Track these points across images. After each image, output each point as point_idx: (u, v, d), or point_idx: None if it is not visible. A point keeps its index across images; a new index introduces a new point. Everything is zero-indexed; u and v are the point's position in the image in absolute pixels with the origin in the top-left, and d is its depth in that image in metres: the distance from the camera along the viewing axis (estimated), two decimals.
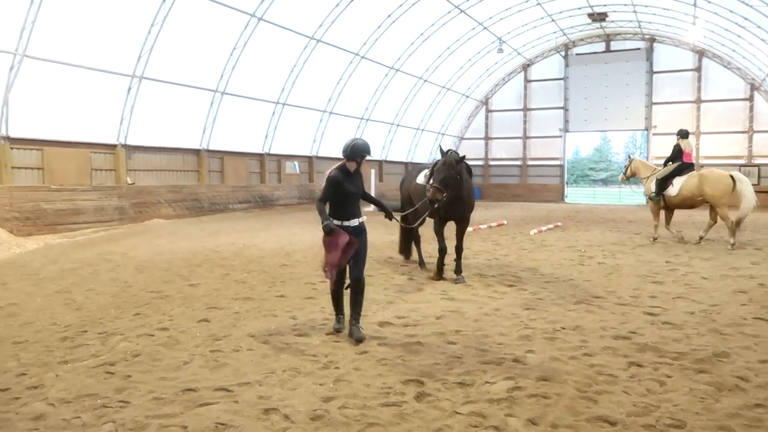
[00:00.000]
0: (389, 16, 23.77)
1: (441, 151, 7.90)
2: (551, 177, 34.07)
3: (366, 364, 4.70)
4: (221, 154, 22.46)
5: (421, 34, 26.18)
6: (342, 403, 3.92)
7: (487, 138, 36.13)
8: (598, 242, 12.79)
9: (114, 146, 18.34)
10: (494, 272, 8.98)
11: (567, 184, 35.86)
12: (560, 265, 9.74)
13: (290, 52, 22.27)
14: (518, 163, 35.20)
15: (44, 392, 4.16)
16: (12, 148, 15.40)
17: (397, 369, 4.60)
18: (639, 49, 31.38)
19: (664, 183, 12.27)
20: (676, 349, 5.03)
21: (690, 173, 12.10)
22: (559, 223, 17.20)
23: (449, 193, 7.64)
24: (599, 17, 29.13)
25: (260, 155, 24.44)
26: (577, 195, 38.24)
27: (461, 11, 25.45)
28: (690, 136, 13.39)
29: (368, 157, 5.65)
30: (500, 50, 29.66)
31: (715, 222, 12.26)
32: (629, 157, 14.10)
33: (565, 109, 33.57)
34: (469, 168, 8.65)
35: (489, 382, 4.28)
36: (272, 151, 24.78)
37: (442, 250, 8.35)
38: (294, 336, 5.51)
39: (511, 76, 34.92)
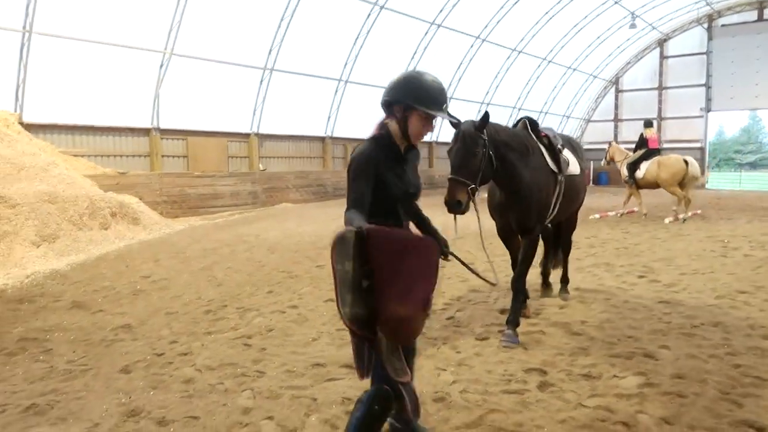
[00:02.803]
0: None
1: (450, 120, 3.95)
2: None
3: (487, 351, 4.69)
4: (344, 141, 23.22)
5: (546, 12, 25.11)
6: (463, 387, 3.95)
7: (616, 120, 33.99)
8: (743, 232, 11.62)
9: (248, 135, 19.63)
10: (623, 262, 8.50)
11: (709, 168, 32.75)
12: (699, 256, 8.99)
13: (411, 39, 22.39)
14: None
15: (192, 359, 4.61)
16: (162, 139, 17.06)
17: (519, 357, 4.53)
18: None
19: (632, 167, 13.68)
20: None
21: (653, 159, 13.48)
22: (698, 211, 15.86)
23: (478, 187, 4.36)
24: None
25: None
26: (719, 180, 34.85)
27: None
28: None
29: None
30: (633, 26, 27.70)
31: (688, 199, 13.35)
32: (609, 143, 15.36)
33: (708, 86, 30.63)
34: (539, 139, 5.28)
35: (617, 376, 4.09)
36: None
37: (516, 292, 5.09)
38: None
39: (645, 52, 32.47)
